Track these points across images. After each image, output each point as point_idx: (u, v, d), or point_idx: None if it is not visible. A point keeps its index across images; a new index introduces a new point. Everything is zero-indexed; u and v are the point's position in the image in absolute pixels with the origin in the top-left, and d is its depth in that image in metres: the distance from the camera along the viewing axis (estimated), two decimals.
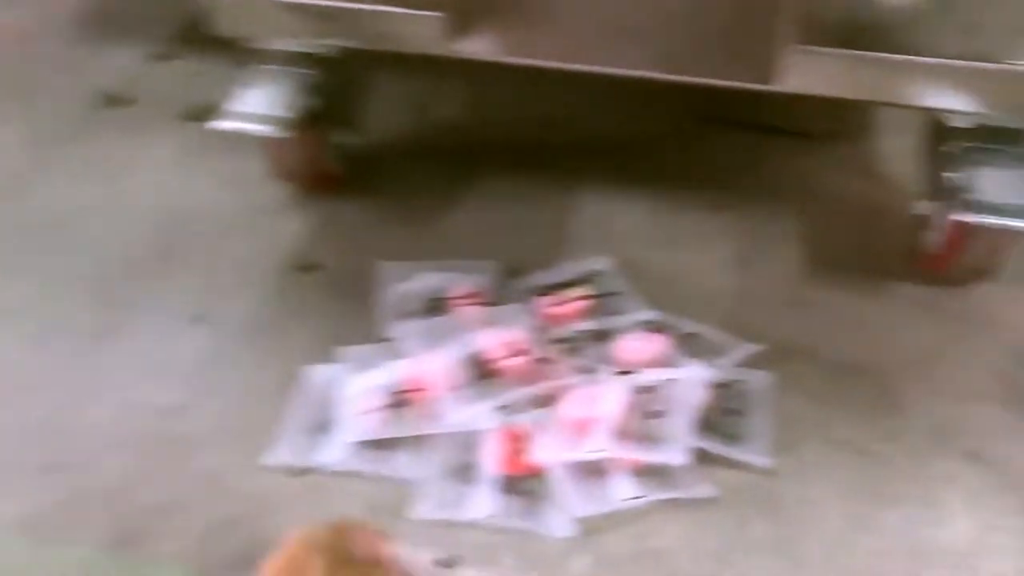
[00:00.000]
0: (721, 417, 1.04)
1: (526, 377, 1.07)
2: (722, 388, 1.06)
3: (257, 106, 1.25)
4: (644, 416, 1.02)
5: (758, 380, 1.07)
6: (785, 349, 1.13)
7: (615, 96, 1.56)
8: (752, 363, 1.10)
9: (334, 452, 1.04)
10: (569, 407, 1.04)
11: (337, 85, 1.34)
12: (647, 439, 1.01)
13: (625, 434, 1.00)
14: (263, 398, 1.12)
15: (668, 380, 1.05)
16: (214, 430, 1.09)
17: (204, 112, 1.56)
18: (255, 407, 1.11)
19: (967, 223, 1.09)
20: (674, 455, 0.99)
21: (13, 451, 1.07)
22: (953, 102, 1.10)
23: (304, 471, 1.03)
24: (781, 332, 1.14)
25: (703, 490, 0.98)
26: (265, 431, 1.07)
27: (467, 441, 1.03)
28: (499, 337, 1.11)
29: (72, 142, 1.50)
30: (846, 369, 1.11)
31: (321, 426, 1.07)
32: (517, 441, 1.01)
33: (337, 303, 1.24)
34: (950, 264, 1.18)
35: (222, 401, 1.12)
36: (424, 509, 0.98)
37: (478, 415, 1.04)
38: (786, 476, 1.00)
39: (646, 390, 1.04)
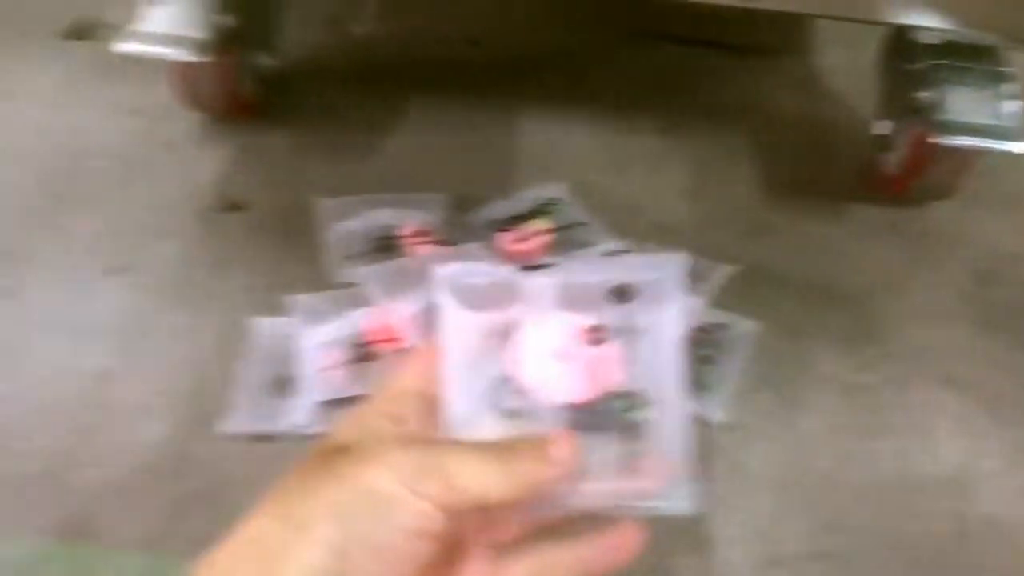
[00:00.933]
0: (694, 365, 1.00)
1: None
2: (700, 332, 1.02)
3: (166, 26, 1.09)
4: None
5: (740, 326, 1.03)
6: (754, 278, 1.09)
7: (543, 12, 1.47)
8: (728, 301, 1.05)
9: (299, 414, 0.93)
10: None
11: (251, 1, 1.20)
12: None
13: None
14: (204, 357, 1.00)
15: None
16: (153, 395, 0.97)
17: (90, 29, 1.39)
18: (197, 368, 0.99)
19: (931, 144, 1.07)
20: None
21: None
22: (921, 18, 1.06)
23: (267, 437, 0.93)
24: (747, 259, 1.11)
25: None
26: (213, 394, 0.96)
27: None
28: None
29: None
30: (817, 295, 1.09)
31: (279, 386, 0.96)
32: None
33: (271, 246, 1.12)
34: (910, 185, 1.17)
35: (157, 362, 1.00)
36: None
37: None
38: (776, 413, 0.98)
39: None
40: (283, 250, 1.11)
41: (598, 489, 0.46)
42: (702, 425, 0.95)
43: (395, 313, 0.99)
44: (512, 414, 0.47)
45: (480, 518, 0.45)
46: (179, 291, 1.07)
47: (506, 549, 0.46)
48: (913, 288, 1.10)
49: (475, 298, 0.49)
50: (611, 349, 0.48)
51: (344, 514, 0.42)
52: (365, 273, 1.04)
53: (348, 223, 1.11)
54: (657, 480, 0.47)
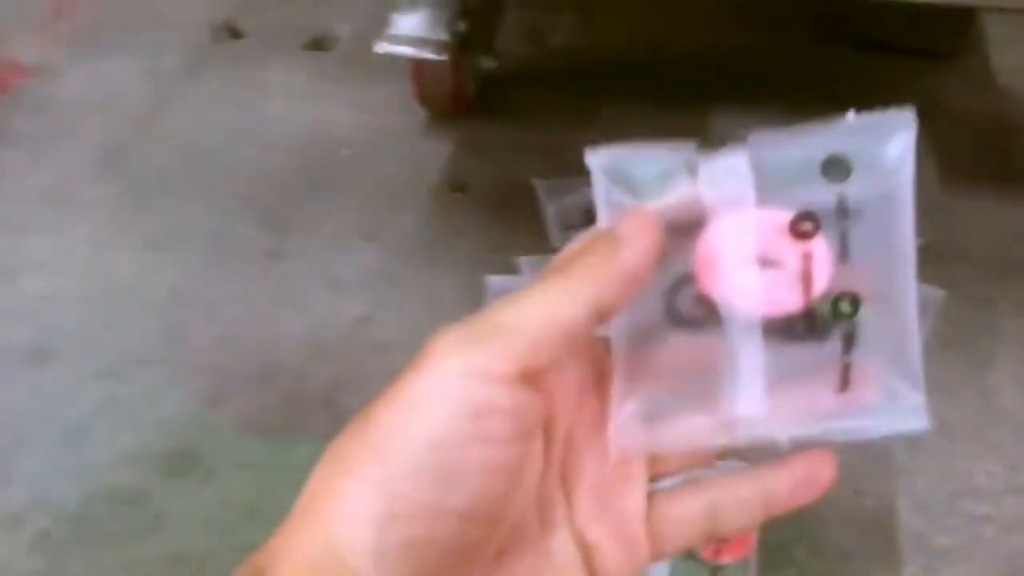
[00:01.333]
0: None
1: None
2: None
3: (415, 30, 1.28)
4: None
5: (927, 294, 1.13)
6: (937, 251, 1.18)
7: (727, 15, 1.60)
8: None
9: None
10: None
11: (481, 9, 1.38)
12: None
13: None
14: (445, 307, 1.17)
15: None
16: (404, 336, 1.14)
17: (325, 41, 1.60)
18: (438, 317, 1.16)
19: None
20: None
21: (228, 360, 1.12)
22: None
23: None
24: (929, 236, 1.20)
25: None
26: None
27: None
28: None
29: (195, 74, 1.53)
30: (998, 267, 1.18)
31: None
32: None
33: (495, 219, 1.29)
34: None
35: (406, 311, 1.17)
36: None
37: None
38: (964, 375, 1.07)
39: None
40: (505, 223, 1.28)
41: (808, 411, 0.36)
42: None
43: None
44: (692, 324, 0.37)
45: (580, 388, 0.36)
46: (422, 254, 1.24)
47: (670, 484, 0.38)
48: None
49: (643, 189, 0.38)
50: (823, 244, 0.37)
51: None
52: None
53: (564, 199, 1.27)
54: (881, 394, 0.37)
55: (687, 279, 0.37)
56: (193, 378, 1.10)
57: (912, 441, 0.99)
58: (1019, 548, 0.91)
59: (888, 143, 0.37)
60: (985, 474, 0.97)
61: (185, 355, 1.12)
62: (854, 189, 0.37)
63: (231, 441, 1.03)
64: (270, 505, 0.96)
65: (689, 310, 0.37)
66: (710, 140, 0.34)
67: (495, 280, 1.00)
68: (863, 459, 0.96)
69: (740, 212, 0.37)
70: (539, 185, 1.30)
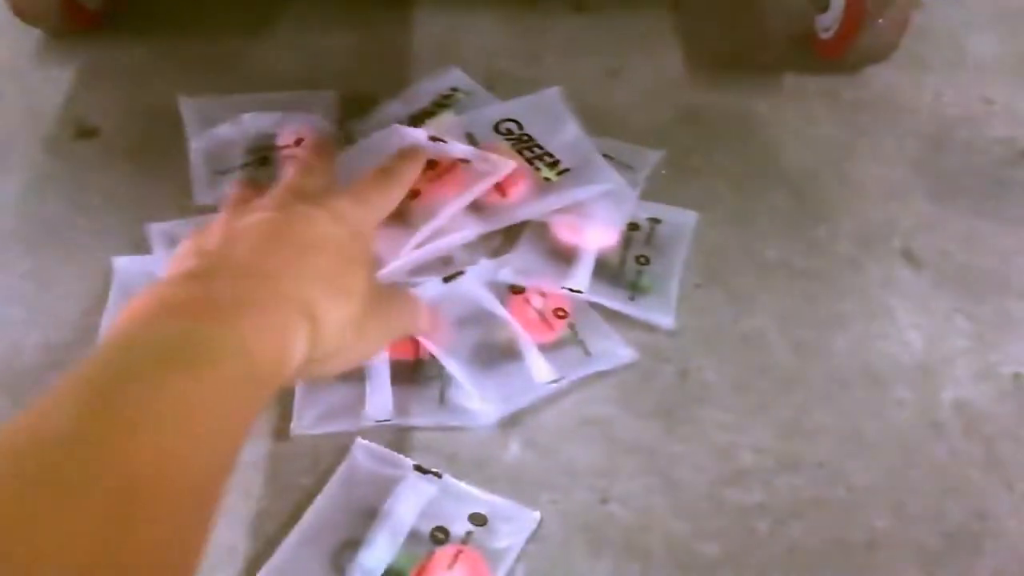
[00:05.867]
0: (628, 265, 0.88)
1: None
2: (632, 228, 0.90)
3: None
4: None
5: (676, 218, 0.92)
6: (687, 164, 0.98)
7: None
8: (661, 192, 0.94)
9: None
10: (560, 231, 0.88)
11: None
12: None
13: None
14: (61, 307, 0.85)
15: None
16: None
17: None
18: (45, 321, 0.85)
19: None
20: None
21: None
22: None
23: None
24: (679, 146, 0.99)
25: (626, 355, 0.83)
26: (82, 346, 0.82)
27: None
28: None
29: None
30: (757, 179, 0.98)
31: None
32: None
33: (132, 173, 0.96)
34: (845, 48, 1.06)
35: (25, 315, 0.85)
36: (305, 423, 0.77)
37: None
38: (722, 311, 0.87)
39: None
40: (145, 175, 0.96)
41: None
42: (649, 331, 0.84)
43: None
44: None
45: None
46: (31, 235, 0.91)
47: None
48: (859, 162, 1.00)
49: None
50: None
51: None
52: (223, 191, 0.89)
53: (217, 131, 0.96)
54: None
55: None
56: None
57: (672, 422, 0.79)
58: (800, 541, 0.73)
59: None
60: (753, 448, 0.78)
61: None
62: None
63: None
64: None
65: None
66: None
67: (123, 262, 0.72)
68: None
69: None
70: (186, 107, 0.93)
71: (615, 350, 0.82)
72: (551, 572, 0.70)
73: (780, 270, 0.90)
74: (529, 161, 0.91)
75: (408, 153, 0.78)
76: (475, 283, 0.82)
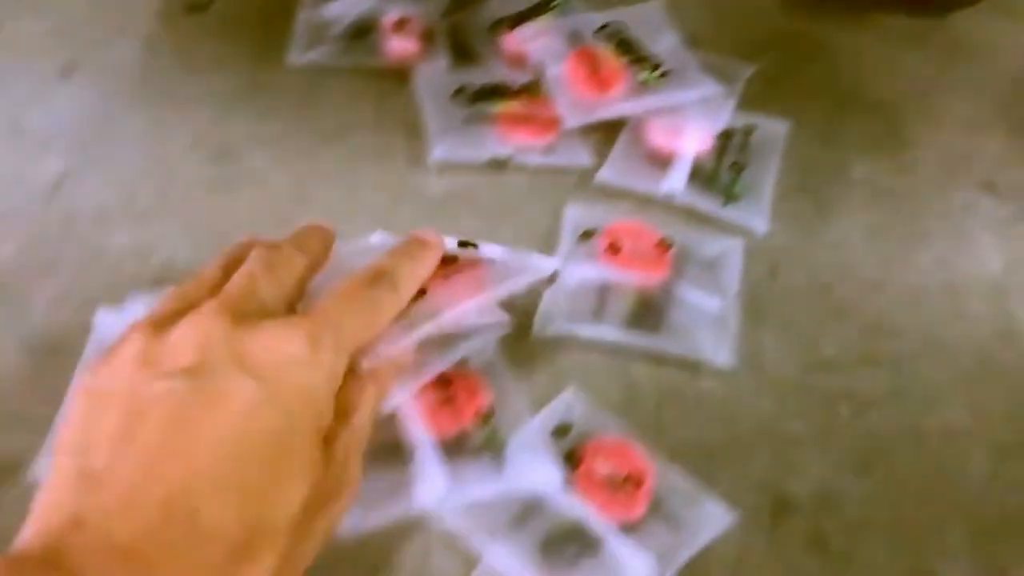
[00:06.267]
0: (722, 172, 0.91)
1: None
2: (725, 137, 0.93)
3: None
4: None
5: (770, 128, 0.95)
6: (780, 83, 1.01)
7: None
8: (755, 104, 0.97)
9: None
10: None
11: None
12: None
13: None
14: (170, 161, 0.89)
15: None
16: (112, 201, 0.86)
17: None
18: (158, 173, 0.88)
19: None
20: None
21: None
22: None
23: None
24: (770, 66, 1.02)
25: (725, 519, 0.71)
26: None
27: None
28: None
29: None
30: (845, 101, 1.01)
31: None
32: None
33: (241, 43, 1.00)
34: None
35: (117, 170, 0.89)
36: None
37: None
38: (811, 219, 0.90)
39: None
40: (253, 46, 0.99)
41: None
42: (743, 234, 0.87)
43: None
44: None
45: None
46: (139, 93, 0.95)
47: None
48: (945, 97, 1.03)
49: None
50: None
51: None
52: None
53: (327, 6, 1.00)
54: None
55: None
56: None
57: (757, 313, 0.83)
58: (878, 427, 0.76)
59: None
60: (837, 342, 0.82)
61: None
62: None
63: None
64: None
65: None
66: None
67: (105, 319, 0.75)
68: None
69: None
70: None
71: (708, 516, 0.69)
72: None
73: (866, 187, 0.93)
74: (630, 64, 0.95)
75: (415, 247, 0.59)
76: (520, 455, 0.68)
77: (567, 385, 0.75)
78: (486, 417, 0.70)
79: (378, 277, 0.54)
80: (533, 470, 0.67)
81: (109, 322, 0.74)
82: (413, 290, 0.57)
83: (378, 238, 0.68)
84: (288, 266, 0.53)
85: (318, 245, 0.58)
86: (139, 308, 0.69)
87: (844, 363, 0.80)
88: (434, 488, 0.65)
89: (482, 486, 0.66)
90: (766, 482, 0.72)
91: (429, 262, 0.59)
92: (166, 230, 0.84)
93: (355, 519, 0.60)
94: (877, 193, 0.93)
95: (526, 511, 0.65)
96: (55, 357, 0.74)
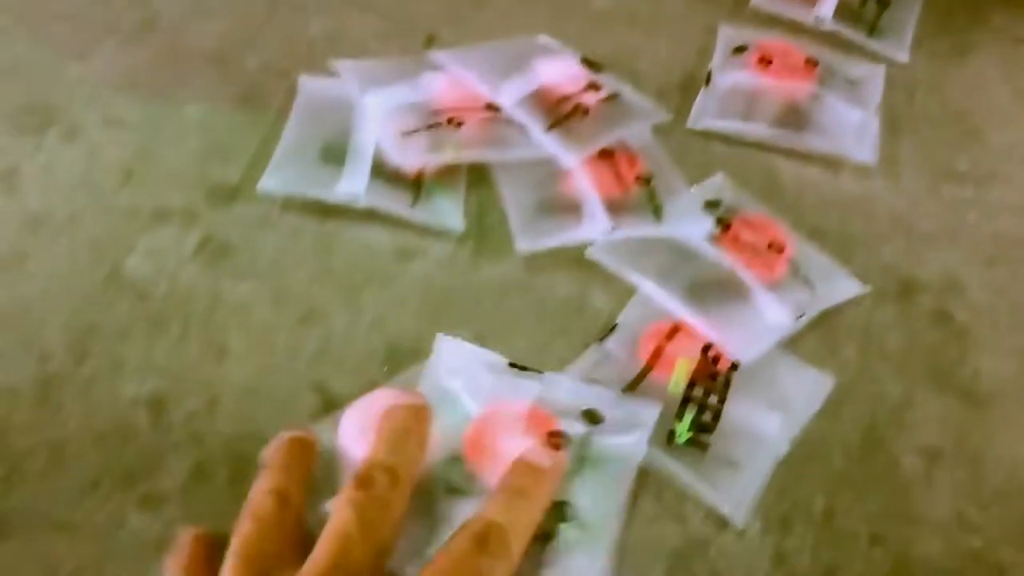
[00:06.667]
0: (868, 7, 0.97)
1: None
2: None
3: None
4: None
5: None
6: None
7: None
8: None
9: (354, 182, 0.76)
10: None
11: None
12: None
13: None
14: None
15: None
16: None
17: None
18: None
19: None
20: None
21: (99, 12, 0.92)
22: None
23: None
24: None
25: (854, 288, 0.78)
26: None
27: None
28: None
29: None
30: None
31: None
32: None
33: None
34: None
35: None
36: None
37: None
38: (950, 57, 0.96)
39: None
40: None
41: None
42: (887, 64, 0.93)
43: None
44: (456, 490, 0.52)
45: None
46: None
47: None
48: None
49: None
50: (563, 457, 0.53)
51: None
52: None
53: None
54: None
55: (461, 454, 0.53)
56: (52, 25, 0.90)
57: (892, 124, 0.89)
58: (1004, 231, 0.82)
59: (634, 420, 0.58)
60: (969, 161, 0.87)
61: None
62: (599, 434, 0.57)
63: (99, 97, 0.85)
64: (146, 167, 0.80)
65: (457, 478, 0.52)
66: None
67: (308, 82, 0.89)
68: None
69: (515, 413, 0.55)
70: None
71: (841, 284, 0.76)
72: None
73: (1003, 34, 0.98)
74: None
75: (528, 479, 0.49)
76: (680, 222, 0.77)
77: (716, 172, 0.83)
78: (646, 180, 0.79)
79: (486, 537, 0.42)
80: (688, 223, 0.75)
81: (313, 86, 0.85)
82: (526, 542, 0.44)
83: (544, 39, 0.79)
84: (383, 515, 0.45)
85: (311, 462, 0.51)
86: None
87: (975, 177, 0.86)
88: (598, 227, 0.74)
89: (641, 229, 0.75)
90: (898, 266, 0.79)
91: (544, 499, 0.46)
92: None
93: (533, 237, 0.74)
94: (1014, 41, 0.98)
95: (679, 257, 0.73)
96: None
